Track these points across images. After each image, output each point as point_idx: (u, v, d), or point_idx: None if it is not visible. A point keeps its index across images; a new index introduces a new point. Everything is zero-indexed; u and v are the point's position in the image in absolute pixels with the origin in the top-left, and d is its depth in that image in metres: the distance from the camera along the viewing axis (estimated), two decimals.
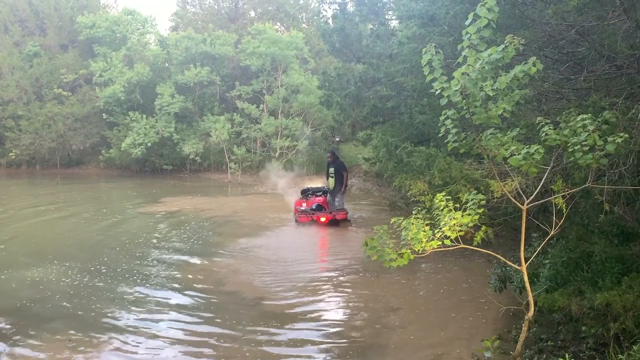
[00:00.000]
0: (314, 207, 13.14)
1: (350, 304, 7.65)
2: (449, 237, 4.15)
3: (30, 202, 17.99)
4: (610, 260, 5.67)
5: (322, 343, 6.23)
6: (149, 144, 24.91)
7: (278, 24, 32.60)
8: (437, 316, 6.97)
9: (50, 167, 28.03)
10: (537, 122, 4.13)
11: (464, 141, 3.95)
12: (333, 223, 12.75)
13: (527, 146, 3.70)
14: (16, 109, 26.72)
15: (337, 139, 25.56)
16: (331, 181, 13.25)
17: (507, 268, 6.55)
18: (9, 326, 6.62)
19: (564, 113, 4.12)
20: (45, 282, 8.41)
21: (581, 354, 5.29)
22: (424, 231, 4.10)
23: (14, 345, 6.03)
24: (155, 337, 6.37)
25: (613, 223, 5.88)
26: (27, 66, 27.66)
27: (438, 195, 4.17)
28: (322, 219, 12.70)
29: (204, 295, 7.91)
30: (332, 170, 13.17)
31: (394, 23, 13.28)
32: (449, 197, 4.24)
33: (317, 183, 16.88)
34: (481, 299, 7.39)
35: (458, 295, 7.76)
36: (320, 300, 7.70)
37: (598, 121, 3.91)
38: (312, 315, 7.11)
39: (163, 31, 33.65)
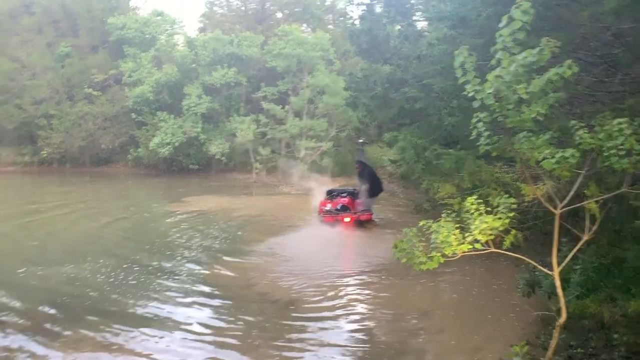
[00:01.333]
0: (338, 208, 13.16)
1: (378, 306, 7.62)
2: (479, 240, 4.12)
3: (60, 200, 18.38)
4: None
5: (352, 346, 6.21)
6: (177, 144, 25.23)
7: (304, 25, 32.67)
8: (469, 320, 6.91)
9: (79, 166, 28.61)
10: (571, 125, 4.07)
11: (496, 144, 3.92)
12: (357, 224, 12.74)
13: (562, 150, 3.65)
14: (48, 108, 27.34)
15: (361, 141, 25.47)
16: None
17: (536, 273, 6.45)
18: (52, 320, 6.81)
19: (598, 116, 4.05)
20: (81, 279, 8.61)
21: None
22: (454, 234, 4.08)
23: (56, 339, 6.20)
24: (184, 331, 6.50)
25: None
26: (59, 66, 28.28)
27: (469, 198, 4.14)
28: (347, 220, 12.71)
29: (232, 294, 8.01)
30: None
31: (422, 24, 13.17)
32: (480, 201, 4.20)
33: (341, 184, 16.88)
34: (508, 303, 7.30)
35: (486, 300, 7.69)
36: (348, 303, 7.69)
37: (635, 125, 3.84)
38: (340, 318, 7.10)
39: (191, 32, 34.07)
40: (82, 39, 29.60)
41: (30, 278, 8.67)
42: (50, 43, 29.21)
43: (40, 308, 7.29)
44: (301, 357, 5.86)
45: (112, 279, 8.57)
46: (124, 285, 8.27)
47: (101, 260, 9.63)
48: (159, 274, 9.03)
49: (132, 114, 26.94)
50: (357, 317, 7.16)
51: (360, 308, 7.54)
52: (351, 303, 7.68)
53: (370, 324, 6.87)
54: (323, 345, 6.16)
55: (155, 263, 9.69)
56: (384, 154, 22.32)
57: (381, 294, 8.07)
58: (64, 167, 28.68)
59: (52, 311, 7.14)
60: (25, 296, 7.79)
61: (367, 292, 8.25)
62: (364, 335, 6.52)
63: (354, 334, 6.55)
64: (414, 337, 6.35)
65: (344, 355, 5.97)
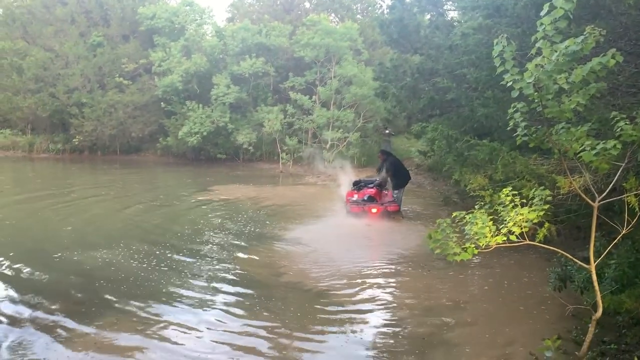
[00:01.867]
0: (365, 199, 13.13)
1: (407, 298, 7.59)
2: (514, 232, 4.08)
3: (92, 186, 18.80)
4: None
5: (381, 337, 6.21)
6: (205, 133, 25.46)
7: (332, 14, 32.53)
8: (500, 313, 6.86)
9: (110, 154, 29.14)
10: (611, 117, 3.98)
11: (534, 135, 3.86)
12: (384, 215, 12.70)
13: (603, 142, 3.57)
14: (80, 97, 27.85)
15: (387, 132, 25.36)
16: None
17: (568, 267, 6.37)
18: (87, 303, 7.01)
19: None
20: (115, 264, 8.81)
21: None
22: (489, 226, 4.04)
23: (92, 321, 6.38)
24: (214, 318, 6.63)
25: None
26: (91, 55, 28.76)
27: (504, 190, 4.10)
28: (374, 210, 12.67)
29: (261, 282, 8.11)
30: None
31: (452, 14, 13.03)
32: (515, 192, 4.15)
33: (368, 175, 16.84)
34: (540, 296, 7.22)
35: (517, 293, 7.61)
36: (376, 294, 7.68)
37: None
38: (369, 308, 7.10)
39: (220, 22, 34.22)
40: (114, 29, 30.04)
41: (66, 262, 8.90)
42: (83, 33, 29.72)
43: (76, 291, 7.53)
44: (330, 348, 5.89)
45: (145, 265, 8.76)
46: (156, 271, 8.45)
47: (134, 247, 9.84)
48: (190, 260, 9.21)
49: (162, 103, 27.26)
50: (385, 308, 7.16)
51: (389, 299, 7.54)
52: (379, 294, 7.68)
53: (399, 315, 6.86)
54: (352, 336, 6.19)
55: (186, 250, 9.88)
56: (411, 145, 22.21)
57: (409, 286, 8.06)
58: (95, 154, 29.24)
59: (88, 295, 7.34)
60: (62, 280, 8.04)
61: (395, 283, 8.24)
62: (393, 326, 6.52)
63: (383, 326, 6.55)
64: (445, 330, 6.32)
65: (373, 346, 5.98)
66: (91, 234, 11.20)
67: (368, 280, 8.19)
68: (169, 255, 9.41)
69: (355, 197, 13.37)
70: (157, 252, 9.51)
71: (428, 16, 12.87)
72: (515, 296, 7.48)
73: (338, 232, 11.75)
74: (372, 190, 13.48)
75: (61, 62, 28.55)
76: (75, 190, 17.93)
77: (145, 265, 8.72)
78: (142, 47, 29.23)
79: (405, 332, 6.31)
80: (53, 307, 6.86)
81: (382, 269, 8.89)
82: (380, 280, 8.30)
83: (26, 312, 6.67)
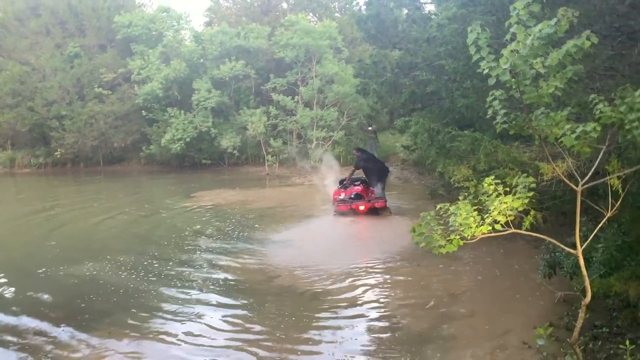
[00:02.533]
0: (352, 196, 13.11)
1: (400, 293, 7.56)
2: (499, 221, 4.02)
3: (75, 199, 18.54)
4: None
5: (378, 335, 6.14)
6: (188, 139, 25.26)
7: (311, 14, 32.45)
8: (496, 303, 6.85)
9: (93, 165, 28.80)
10: (590, 99, 3.94)
11: (513, 122, 3.81)
12: (372, 211, 12.68)
13: (583, 125, 3.53)
14: (60, 109, 27.47)
15: (370, 128, 25.33)
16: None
17: (557, 254, 6.35)
18: (75, 318, 6.87)
19: (619, 89, 3.91)
20: (103, 277, 8.65)
21: (639, 341, 5.08)
22: (473, 216, 3.98)
23: (82, 337, 6.25)
24: (207, 326, 6.55)
25: None
26: (68, 67, 28.38)
27: (487, 179, 4.04)
28: (361, 207, 12.65)
29: (252, 287, 8.03)
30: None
31: (429, 7, 12.99)
32: (498, 181, 4.10)
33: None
34: (532, 283, 7.21)
35: (510, 281, 7.62)
36: (370, 291, 7.65)
37: None
38: (363, 307, 7.04)
39: (197, 27, 33.94)
40: (90, 39, 29.67)
41: (51, 278, 8.73)
42: (59, 44, 29.31)
43: (64, 307, 7.36)
44: (326, 349, 5.81)
45: (134, 276, 8.61)
46: (145, 282, 8.30)
47: (121, 258, 9.67)
48: (179, 269, 9.07)
49: (143, 111, 27.00)
50: (380, 305, 7.11)
51: (381, 297, 7.49)
52: (372, 292, 7.64)
53: (393, 312, 6.80)
54: (347, 335, 6.12)
55: (174, 258, 9.73)
56: (396, 140, 22.20)
57: (402, 281, 8.02)
58: (78, 167, 28.88)
59: (77, 309, 7.20)
60: (49, 295, 7.86)
61: (386, 280, 8.19)
62: (389, 323, 6.46)
63: (379, 323, 6.50)
64: (441, 323, 6.27)
65: (369, 346, 5.90)
66: (76, 247, 11.02)
67: (360, 279, 8.13)
68: (156, 265, 9.27)
69: (342, 195, 13.35)
70: (145, 263, 9.36)
71: (405, 10, 12.82)
72: (508, 284, 7.49)
73: (327, 232, 11.70)
74: (358, 187, 13.47)
75: (38, 75, 28.13)
76: (58, 204, 17.66)
77: (134, 277, 8.56)
78: (120, 56, 28.91)
79: (400, 329, 6.26)
80: (39, 324, 6.71)
81: (373, 266, 8.84)
82: (372, 278, 8.25)
83: (12, 330, 6.52)
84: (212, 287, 8.08)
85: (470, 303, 6.90)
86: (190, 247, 10.61)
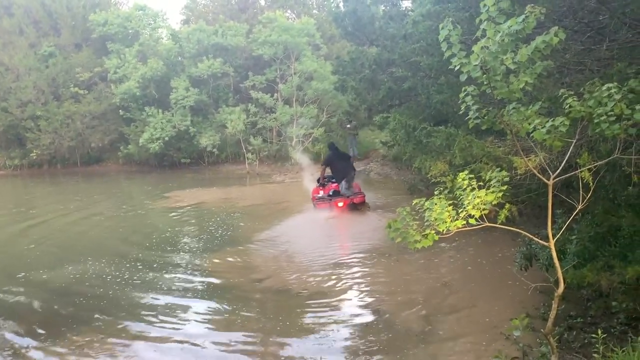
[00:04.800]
0: (331, 194, 13.13)
1: (385, 289, 7.54)
2: (474, 216, 4.08)
3: (53, 201, 18.26)
4: (639, 233, 5.55)
5: (368, 337, 6.11)
6: (166, 138, 25.07)
7: (289, 11, 32.37)
8: (482, 296, 6.91)
9: (70, 166, 28.40)
10: (560, 94, 4.02)
11: (485, 117, 3.86)
12: (352, 207, 12.72)
13: (552, 119, 3.60)
14: (35, 110, 27.04)
15: (349, 126, 25.41)
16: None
17: (533, 246, 6.45)
18: (58, 323, 6.76)
19: (587, 84, 4.00)
20: (87, 280, 8.50)
21: (612, 330, 5.20)
22: (448, 211, 4.03)
23: (64, 341, 6.16)
24: (192, 326, 6.53)
25: None
26: (43, 67, 27.93)
27: (461, 174, 4.09)
28: (340, 204, 12.67)
29: (235, 286, 7.99)
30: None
31: (406, 3, 13.10)
32: (472, 176, 4.16)
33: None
34: (506, 278, 7.31)
35: (492, 273, 7.72)
36: (355, 289, 7.61)
37: (624, 90, 3.79)
38: (350, 306, 6.99)
39: (174, 25, 33.64)
40: (65, 38, 29.22)
41: (33, 282, 8.55)
42: (33, 44, 28.83)
43: (47, 312, 7.22)
44: (313, 351, 5.78)
45: (118, 279, 8.45)
46: (130, 285, 8.16)
47: (104, 260, 9.52)
48: (162, 270, 8.96)
49: (120, 110, 26.71)
50: (364, 304, 7.08)
51: (366, 294, 7.46)
52: (356, 290, 7.63)
53: (379, 310, 6.74)
54: (334, 336, 6.07)
55: (157, 259, 9.61)
56: (376, 137, 22.30)
57: (385, 278, 8.02)
58: (55, 168, 28.47)
59: (61, 314, 7.08)
60: (30, 300, 7.70)
61: (370, 276, 8.19)
62: (373, 322, 6.41)
63: (367, 323, 6.45)
64: (432, 319, 6.29)
65: (356, 344, 5.88)
66: (56, 250, 10.83)
67: (344, 277, 8.12)
68: (140, 267, 9.13)
69: (321, 193, 13.36)
70: (128, 265, 9.22)
71: (382, 7, 12.90)
72: (487, 276, 7.58)
73: (309, 230, 11.70)
74: (335, 184, 13.49)
75: (12, 75, 27.64)
76: (35, 206, 17.39)
77: (119, 280, 8.42)
78: (95, 55, 28.55)
79: (386, 327, 6.24)
80: (22, 330, 6.56)
81: (357, 263, 8.86)
82: (356, 275, 8.25)
83: None
84: (196, 289, 8.00)
85: (452, 297, 6.97)
86: (172, 248, 10.52)
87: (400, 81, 9.38)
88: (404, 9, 12.62)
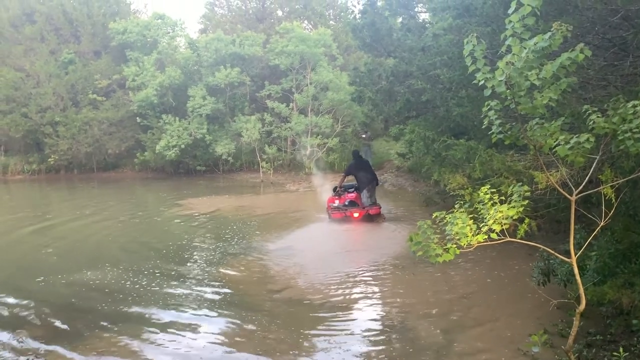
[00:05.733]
0: (346, 203, 13.13)
1: (399, 301, 7.48)
2: (495, 230, 4.07)
3: (70, 207, 18.47)
4: None
5: (384, 349, 6.09)
6: (183, 146, 25.29)
7: (305, 21, 32.62)
8: (499, 310, 6.84)
9: (87, 172, 28.73)
10: (583, 110, 4.02)
11: (509, 132, 3.87)
12: (367, 218, 12.70)
13: (577, 135, 3.60)
14: (53, 116, 27.45)
15: (364, 136, 25.48)
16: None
17: (551, 261, 6.41)
18: (76, 327, 6.81)
19: (611, 100, 3.99)
20: (108, 285, 8.54)
21: (633, 348, 5.13)
22: (469, 225, 4.03)
23: (81, 344, 6.21)
24: (204, 334, 6.54)
25: None
26: (62, 73, 28.39)
27: (483, 188, 4.09)
28: (355, 215, 12.67)
29: (249, 295, 7.97)
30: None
31: (424, 16, 13.13)
32: (494, 190, 4.16)
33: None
34: (525, 291, 7.25)
35: (510, 287, 7.65)
36: (370, 304, 7.52)
37: None
38: (365, 318, 6.91)
39: (192, 34, 34.05)
40: (85, 45, 29.71)
41: (51, 286, 8.61)
42: (53, 50, 29.33)
43: (63, 315, 7.25)
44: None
45: (137, 286, 8.47)
46: (147, 292, 8.15)
47: (121, 267, 9.58)
48: (180, 278, 8.95)
49: (137, 118, 27.03)
50: (379, 318, 6.99)
51: (382, 308, 7.37)
52: (372, 303, 7.55)
53: (394, 325, 6.66)
54: (351, 351, 6.01)
55: (174, 267, 9.64)
56: (391, 147, 22.30)
57: (401, 291, 7.93)
58: (72, 173, 28.81)
59: (78, 318, 7.12)
60: (47, 304, 7.73)
61: (386, 289, 8.11)
62: (395, 336, 6.34)
63: (384, 336, 6.38)
64: (451, 333, 6.23)
65: (373, 355, 5.85)
66: (74, 256, 10.91)
67: (359, 289, 8.07)
68: (157, 274, 9.12)
69: (337, 202, 13.36)
70: (145, 272, 9.22)
71: (400, 19, 12.94)
72: (506, 291, 7.52)
73: (323, 240, 11.67)
74: (352, 194, 13.49)
75: (32, 81, 28.13)
76: (52, 211, 17.60)
77: (137, 287, 8.43)
78: (114, 63, 28.97)
79: (403, 340, 6.17)
80: (42, 334, 6.60)
81: (372, 276, 8.79)
82: (371, 287, 8.20)
83: (14, 341, 6.44)
84: (211, 300, 7.96)
85: (472, 311, 6.90)
86: (188, 257, 10.55)
87: (418, 93, 9.39)
88: (422, 20, 12.67)
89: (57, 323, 7.00)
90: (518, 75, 3.50)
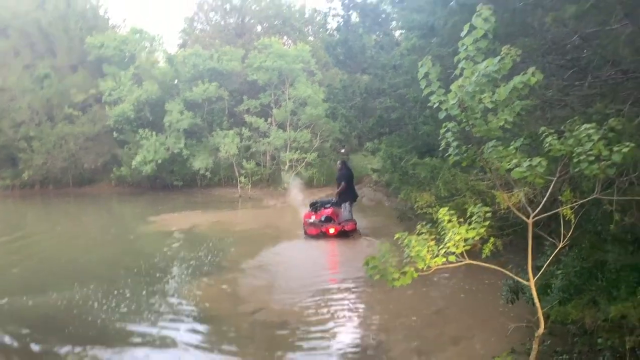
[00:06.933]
0: (322, 219, 13.06)
1: (378, 321, 7.42)
2: (454, 252, 4.05)
3: (43, 223, 18.11)
4: (625, 268, 5.51)
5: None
6: (160, 161, 25.01)
7: (284, 37, 32.72)
8: (471, 327, 6.82)
9: (62, 187, 28.23)
10: (540, 132, 4.03)
11: (465, 154, 3.86)
12: (342, 234, 12.65)
13: (530, 158, 3.60)
14: (28, 130, 26.97)
15: (342, 150, 25.51)
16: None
17: (517, 280, 6.41)
18: (43, 351, 6.60)
19: (568, 122, 4.01)
20: (78, 306, 8.30)
21: None
22: (429, 247, 4.00)
23: None
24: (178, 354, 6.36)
25: (627, 230, 5.71)
26: (38, 88, 27.94)
27: (442, 209, 4.07)
28: (331, 231, 12.61)
29: (223, 313, 7.86)
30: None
31: (398, 33, 13.25)
32: (453, 212, 4.13)
33: (327, 194, 16.85)
34: (497, 308, 7.23)
35: (477, 305, 7.63)
36: (345, 321, 7.46)
37: (604, 129, 3.80)
38: (339, 339, 6.87)
39: (171, 49, 33.94)
40: (61, 60, 29.31)
41: (16, 308, 8.35)
42: (28, 65, 28.88)
43: (31, 340, 7.04)
44: None
45: (105, 307, 8.25)
46: (116, 313, 7.97)
47: (91, 286, 9.30)
48: (150, 298, 8.79)
49: (114, 132, 26.71)
50: (358, 335, 6.97)
51: (360, 324, 7.36)
52: (346, 320, 7.48)
53: (376, 340, 6.65)
54: None
55: (145, 287, 9.43)
56: (368, 162, 22.33)
57: (377, 306, 7.92)
58: (47, 188, 28.28)
59: (44, 341, 6.92)
60: (11, 328, 7.49)
61: (363, 304, 8.11)
62: (371, 354, 6.31)
63: (360, 355, 6.33)
64: (428, 353, 6.17)
65: None
66: (42, 275, 10.63)
67: (334, 306, 7.97)
68: (128, 295, 8.90)
69: (313, 218, 13.29)
70: (115, 292, 8.98)
71: (374, 37, 13.03)
72: (483, 305, 7.51)
73: (299, 256, 11.62)
74: (328, 210, 13.43)
75: (6, 96, 27.63)
76: (24, 227, 17.23)
77: (105, 308, 8.21)
78: (91, 77, 28.61)
79: (373, 354, 6.15)
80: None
81: (347, 291, 8.74)
82: (347, 304, 8.14)
83: None
84: (184, 318, 7.79)
85: (443, 326, 6.88)
86: (161, 274, 10.37)
87: (390, 111, 9.42)
88: (396, 38, 12.76)
89: (24, 348, 6.79)
90: (470, 99, 3.50)
